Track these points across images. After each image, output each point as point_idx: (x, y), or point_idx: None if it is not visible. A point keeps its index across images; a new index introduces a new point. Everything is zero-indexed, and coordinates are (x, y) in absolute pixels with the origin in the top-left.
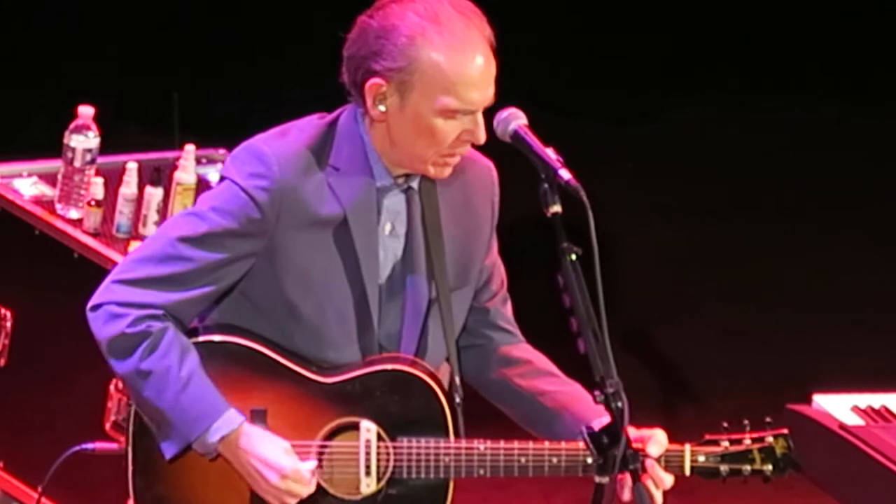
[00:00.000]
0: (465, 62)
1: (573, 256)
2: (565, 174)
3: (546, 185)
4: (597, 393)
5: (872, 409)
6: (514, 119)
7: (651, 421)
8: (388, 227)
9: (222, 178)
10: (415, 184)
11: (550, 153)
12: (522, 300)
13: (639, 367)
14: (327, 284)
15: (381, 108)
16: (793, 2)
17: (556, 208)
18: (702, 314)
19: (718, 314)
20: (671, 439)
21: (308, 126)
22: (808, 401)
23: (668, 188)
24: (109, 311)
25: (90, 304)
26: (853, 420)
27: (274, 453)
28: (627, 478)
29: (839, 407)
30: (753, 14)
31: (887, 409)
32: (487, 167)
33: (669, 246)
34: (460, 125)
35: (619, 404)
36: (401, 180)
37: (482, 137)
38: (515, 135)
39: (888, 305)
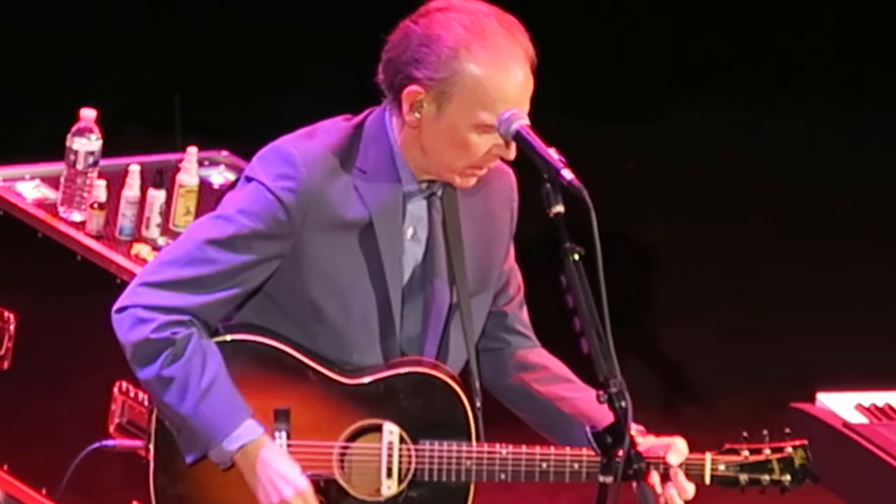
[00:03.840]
0: (506, 79)
1: (576, 256)
2: (568, 174)
3: (548, 186)
4: (600, 393)
5: (876, 408)
6: (517, 119)
7: (655, 420)
8: (409, 232)
9: (249, 179)
10: (438, 190)
11: (553, 153)
12: (525, 301)
13: (642, 367)
14: (351, 287)
15: (417, 115)
16: (793, 2)
17: (559, 208)
18: (705, 313)
19: (721, 313)
20: None
21: (334, 128)
22: (812, 399)
23: (671, 188)
24: (135, 314)
25: (116, 306)
26: (857, 418)
27: (292, 470)
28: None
29: (843, 405)
30: (755, 14)
31: (891, 408)
32: (506, 173)
33: (672, 245)
34: (493, 140)
35: (623, 404)
36: (425, 185)
37: (513, 154)
38: (518, 135)
39: (892, 303)
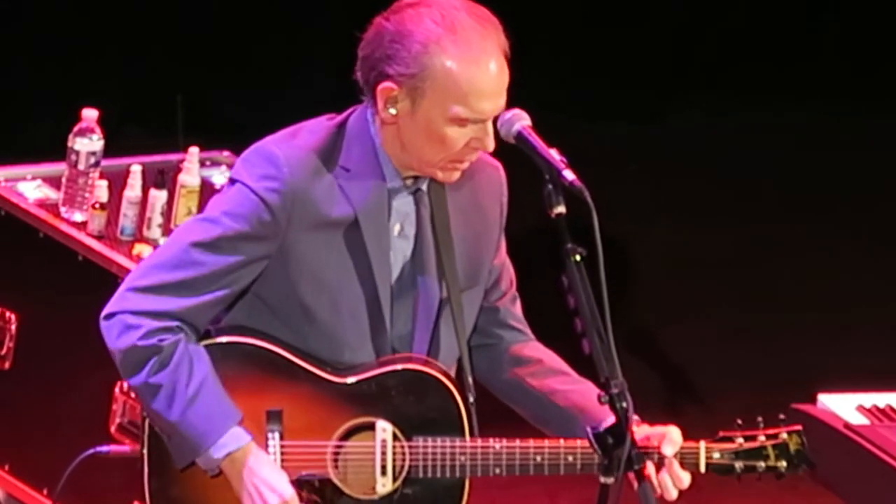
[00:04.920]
0: (478, 73)
1: (577, 257)
2: (569, 175)
3: (550, 186)
4: (601, 393)
5: (877, 409)
6: (518, 120)
7: (655, 420)
8: (396, 228)
9: (233, 181)
10: (424, 185)
11: (554, 154)
12: (526, 301)
13: (644, 368)
14: (340, 285)
15: (392, 111)
16: (795, 2)
17: (561, 209)
18: (706, 314)
19: (723, 314)
20: None
21: (318, 127)
22: (814, 400)
23: (673, 189)
24: (123, 320)
25: (104, 312)
26: (858, 419)
27: (279, 479)
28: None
29: (844, 406)
30: (757, 15)
31: (892, 409)
32: (495, 167)
33: (674, 246)
34: (470, 133)
35: (624, 405)
36: (410, 182)
37: (491, 145)
38: (519, 136)
39: (892, 304)
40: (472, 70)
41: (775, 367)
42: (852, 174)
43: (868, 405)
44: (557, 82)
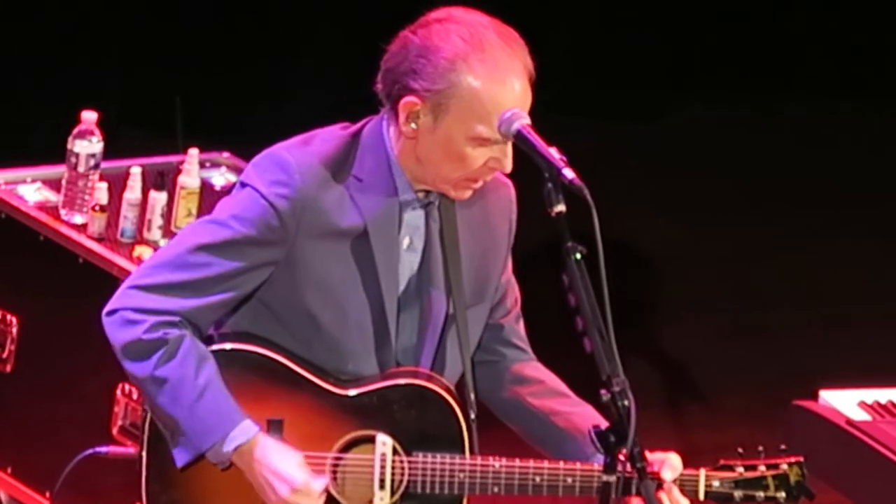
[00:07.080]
0: (503, 92)
1: (577, 255)
2: (569, 173)
3: (550, 185)
4: (603, 392)
5: (879, 404)
6: (518, 119)
7: (657, 419)
8: (406, 241)
9: (243, 185)
10: (435, 200)
11: (554, 152)
12: (526, 300)
13: (645, 366)
14: (346, 295)
15: (413, 125)
16: (793, 1)
17: (560, 207)
18: (707, 312)
19: (724, 312)
20: (678, 437)
21: (332, 136)
22: (815, 397)
23: (673, 187)
24: (125, 316)
25: (106, 308)
26: (860, 415)
27: (287, 466)
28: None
29: (846, 402)
30: (757, 12)
31: (894, 404)
32: (506, 185)
33: (674, 244)
34: (489, 153)
35: (626, 403)
36: (421, 195)
37: (509, 166)
38: (519, 134)
39: (893, 300)
40: (498, 89)
41: (776, 364)
42: (853, 171)
43: (870, 401)
44: (555, 81)
